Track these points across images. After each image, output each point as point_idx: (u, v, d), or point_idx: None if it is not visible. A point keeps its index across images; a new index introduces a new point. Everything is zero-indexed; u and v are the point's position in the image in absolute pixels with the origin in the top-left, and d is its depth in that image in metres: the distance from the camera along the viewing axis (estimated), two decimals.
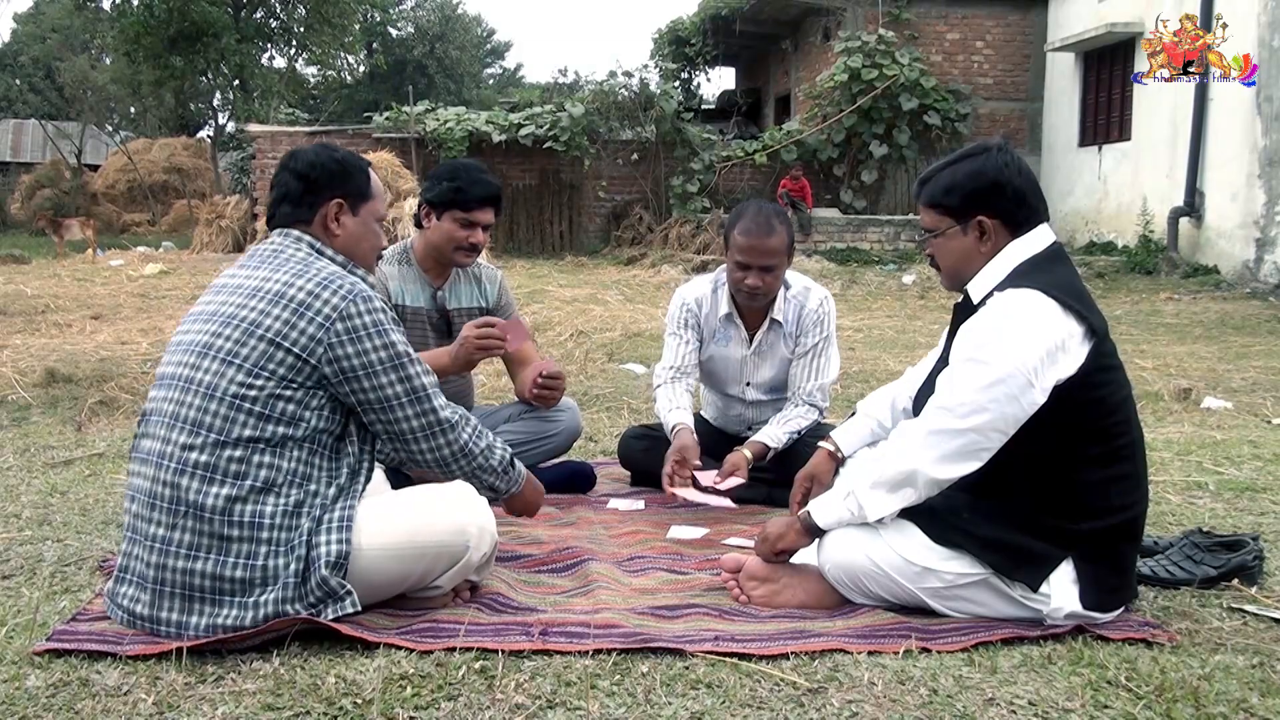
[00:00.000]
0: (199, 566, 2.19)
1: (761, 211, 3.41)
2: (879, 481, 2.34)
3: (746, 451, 3.43)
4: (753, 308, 3.56)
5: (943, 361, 2.50)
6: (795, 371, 3.59)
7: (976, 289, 2.45)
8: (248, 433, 2.23)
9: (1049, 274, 2.35)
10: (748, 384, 3.67)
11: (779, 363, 3.62)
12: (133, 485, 2.32)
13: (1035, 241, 2.42)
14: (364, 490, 2.39)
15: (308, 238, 2.42)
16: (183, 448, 2.24)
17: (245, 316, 2.30)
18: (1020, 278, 2.35)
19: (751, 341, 3.61)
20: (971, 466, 2.27)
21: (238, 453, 2.22)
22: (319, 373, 2.28)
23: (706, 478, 3.39)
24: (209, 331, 2.32)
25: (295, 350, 2.26)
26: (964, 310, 2.48)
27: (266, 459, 2.24)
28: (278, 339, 2.25)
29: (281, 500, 2.24)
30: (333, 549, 2.22)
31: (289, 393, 2.27)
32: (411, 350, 2.38)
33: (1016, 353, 2.22)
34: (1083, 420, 2.30)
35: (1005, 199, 2.40)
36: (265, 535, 2.21)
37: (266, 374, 2.25)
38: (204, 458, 2.22)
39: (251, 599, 2.20)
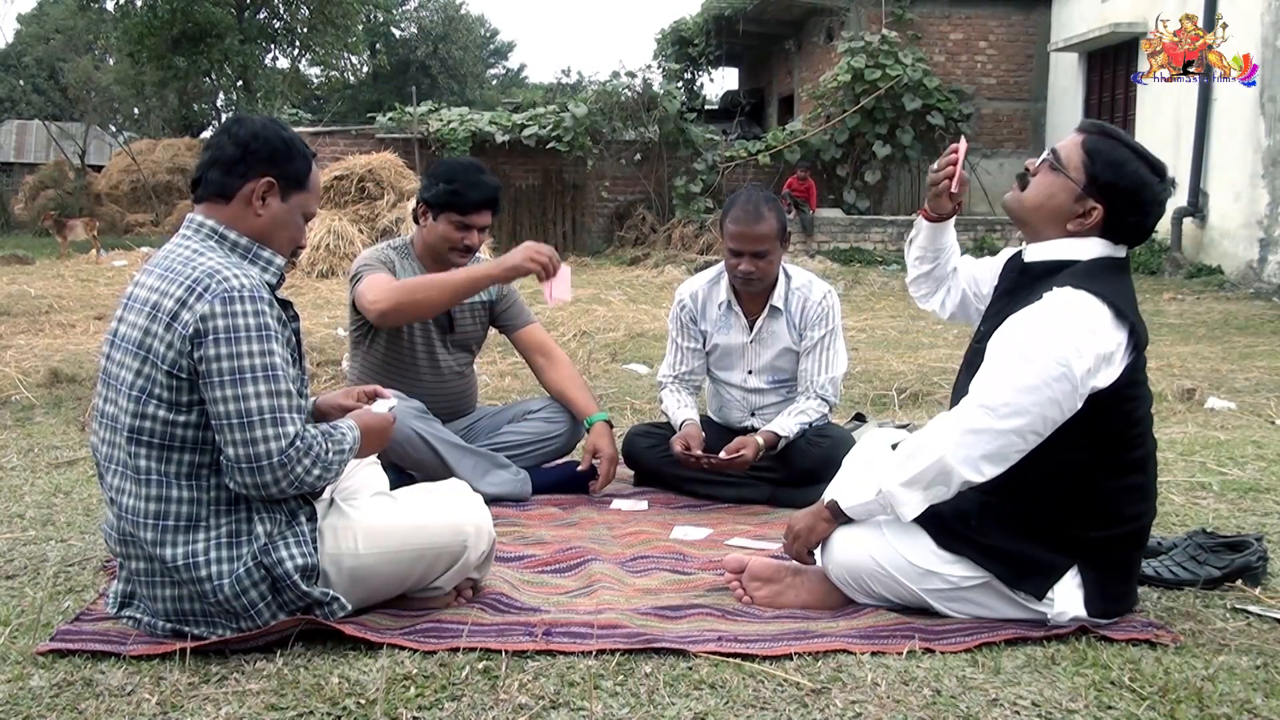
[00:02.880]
0: (171, 593, 2.19)
1: (751, 199, 3.51)
2: (913, 480, 2.25)
3: (759, 438, 3.49)
4: (750, 293, 3.64)
5: (980, 336, 2.44)
6: (805, 365, 3.64)
7: (1036, 252, 2.39)
8: (155, 465, 2.12)
9: (1109, 281, 2.29)
10: (749, 371, 3.73)
11: (781, 351, 3.67)
12: (108, 520, 2.28)
13: (1111, 247, 2.36)
14: (325, 496, 2.33)
15: (210, 222, 2.22)
16: (115, 490, 2.19)
17: (130, 336, 2.15)
18: (1080, 278, 2.27)
19: (752, 329, 3.68)
20: (1003, 468, 2.21)
21: (152, 490, 2.13)
22: (195, 385, 2.10)
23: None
24: (108, 358, 2.21)
25: (165, 367, 2.09)
26: (1016, 275, 2.44)
27: (185, 493, 2.13)
28: (153, 357, 2.10)
29: (212, 533, 2.15)
30: (297, 562, 2.17)
31: (181, 417, 2.11)
32: (275, 365, 2.11)
33: (1067, 357, 2.16)
34: (1107, 431, 2.27)
35: (1131, 215, 2.32)
36: (203, 574, 2.13)
37: (156, 400, 2.10)
38: (129, 501, 2.15)
39: (233, 625, 2.19)
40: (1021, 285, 2.40)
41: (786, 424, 3.54)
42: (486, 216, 3.49)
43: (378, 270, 3.44)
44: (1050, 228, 2.38)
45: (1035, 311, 2.25)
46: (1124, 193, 2.30)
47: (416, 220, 3.57)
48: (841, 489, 2.44)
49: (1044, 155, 2.40)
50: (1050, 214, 2.36)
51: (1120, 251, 2.37)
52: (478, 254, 3.76)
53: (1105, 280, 2.28)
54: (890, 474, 2.30)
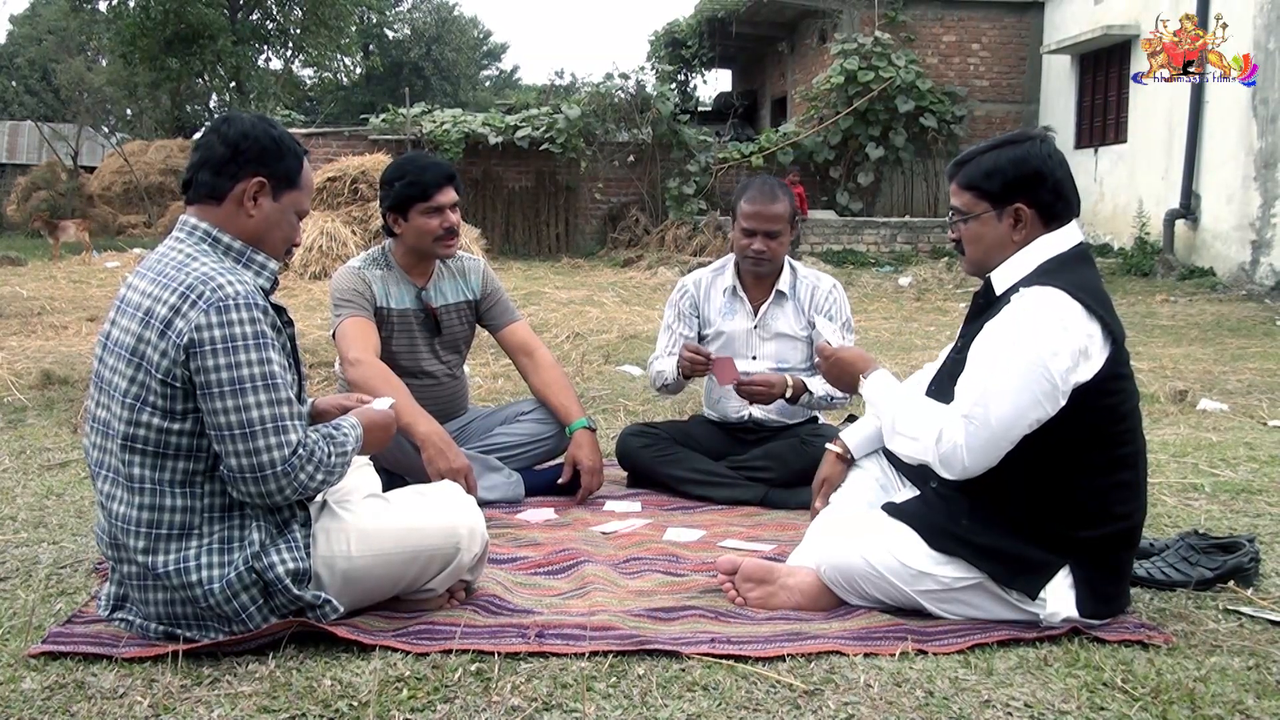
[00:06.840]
0: (163, 596, 2.18)
1: (766, 182, 3.63)
2: (901, 451, 2.45)
3: (789, 378, 3.50)
4: (758, 274, 3.69)
5: (959, 349, 2.49)
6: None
7: (1001, 279, 2.42)
8: (148, 473, 2.12)
9: (1074, 274, 2.33)
10: (753, 357, 3.74)
11: (784, 337, 3.71)
12: (99, 524, 2.27)
13: (1064, 239, 2.40)
14: (317, 499, 2.32)
15: (204, 225, 2.20)
16: (106, 496, 2.18)
17: (123, 341, 2.13)
18: (1045, 275, 2.32)
19: (756, 314, 3.72)
20: (988, 468, 2.29)
21: (145, 499, 2.12)
22: (190, 393, 2.09)
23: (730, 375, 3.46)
24: (101, 361, 2.20)
25: (159, 375, 2.08)
26: (985, 300, 2.47)
27: (178, 501, 2.13)
28: (147, 365, 2.09)
29: (205, 540, 2.14)
30: (288, 567, 2.16)
31: (176, 425, 2.10)
32: (274, 374, 2.10)
33: (1043, 357, 2.21)
34: (1091, 427, 2.29)
35: (1045, 189, 2.38)
36: (193, 579, 2.12)
37: (150, 407, 2.09)
38: (120, 508, 2.14)
39: (225, 628, 2.18)
40: (992, 303, 2.43)
41: (817, 385, 3.53)
42: (450, 193, 3.47)
43: (359, 314, 3.42)
44: (1004, 253, 2.44)
45: (1007, 316, 2.30)
46: (1021, 177, 2.38)
47: (391, 234, 3.56)
48: (877, 382, 2.58)
49: (950, 221, 2.52)
50: (994, 246, 2.44)
51: (1072, 236, 2.41)
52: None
53: (1068, 274, 2.32)
54: (887, 432, 2.50)
